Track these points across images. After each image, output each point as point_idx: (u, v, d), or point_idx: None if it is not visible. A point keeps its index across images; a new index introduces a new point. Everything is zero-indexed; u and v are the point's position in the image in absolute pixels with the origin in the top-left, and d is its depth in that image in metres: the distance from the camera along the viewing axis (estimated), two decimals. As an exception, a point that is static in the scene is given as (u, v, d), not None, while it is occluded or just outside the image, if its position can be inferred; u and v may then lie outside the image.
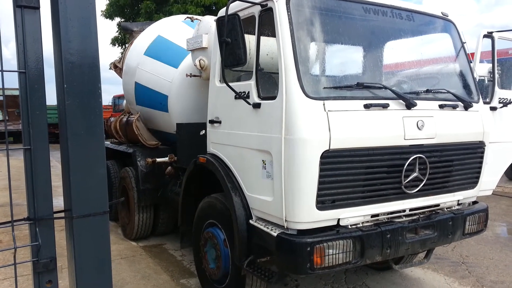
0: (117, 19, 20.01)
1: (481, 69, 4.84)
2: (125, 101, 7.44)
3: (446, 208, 3.73)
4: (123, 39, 18.78)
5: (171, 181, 5.54)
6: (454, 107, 3.66)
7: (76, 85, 1.37)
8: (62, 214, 1.41)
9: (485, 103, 4.15)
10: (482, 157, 3.86)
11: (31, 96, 1.36)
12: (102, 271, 1.43)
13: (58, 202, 1.76)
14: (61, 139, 1.41)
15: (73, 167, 1.37)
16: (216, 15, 3.98)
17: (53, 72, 1.55)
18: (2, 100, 25.48)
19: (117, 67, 7.44)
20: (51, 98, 1.62)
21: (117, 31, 19.95)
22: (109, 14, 19.66)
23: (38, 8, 1.36)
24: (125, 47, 15.10)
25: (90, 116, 1.38)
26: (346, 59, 3.87)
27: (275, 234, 3.10)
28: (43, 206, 1.37)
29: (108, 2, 19.58)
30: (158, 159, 5.41)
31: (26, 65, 1.35)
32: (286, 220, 3.07)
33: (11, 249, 1.45)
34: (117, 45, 20.06)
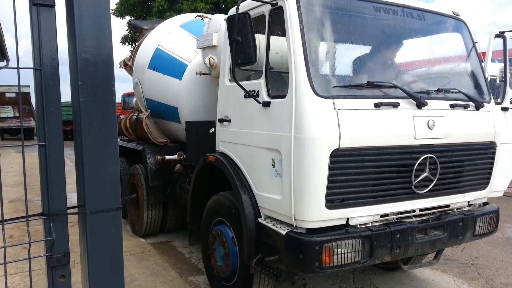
0: (127, 18, 20.16)
1: (493, 69, 4.78)
2: (135, 99, 7.49)
3: (457, 209, 3.70)
4: (133, 37, 18.91)
5: (180, 178, 5.57)
6: (465, 107, 3.63)
7: (90, 82, 1.38)
8: (76, 210, 1.43)
9: (496, 103, 4.11)
10: (493, 158, 3.83)
11: (46, 93, 1.37)
12: (115, 266, 1.45)
13: (68, 198, 1.78)
14: (75, 136, 1.43)
15: (86, 164, 1.39)
16: (225, 13, 3.99)
17: (65, 69, 1.57)
18: (14, 97, 25.77)
19: (127, 65, 7.49)
20: (62, 95, 1.63)
21: (127, 30, 20.09)
22: (120, 12, 19.80)
23: (53, 6, 1.38)
24: (135, 45, 15.17)
25: (104, 113, 1.40)
26: (356, 58, 3.85)
27: (284, 233, 3.10)
28: (57, 201, 1.39)
29: (118, 0, 19.71)
30: (167, 157, 5.45)
31: (42, 63, 1.37)
32: (295, 219, 3.07)
33: (23, 244, 1.47)
34: (127, 44, 20.21)
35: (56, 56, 1.39)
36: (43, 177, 1.38)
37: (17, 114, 25.73)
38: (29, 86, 21.95)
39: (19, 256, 4.81)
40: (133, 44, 19.25)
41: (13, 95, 25.78)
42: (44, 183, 1.38)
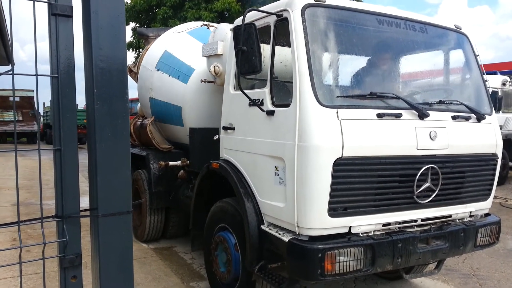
0: (132, 24, 20.35)
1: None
2: (139, 105, 7.56)
3: (458, 219, 3.73)
4: (138, 43, 19.06)
5: (183, 184, 5.61)
6: (467, 118, 3.67)
7: (105, 90, 1.44)
8: (88, 213, 1.47)
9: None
10: (494, 170, 3.86)
11: (63, 99, 1.43)
12: (125, 268, 1.49)
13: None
14: (88, 141, 1.48)
15: (100, 168, 1.44)
16: (229, 22, 4.06)
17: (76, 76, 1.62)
18: (18, 101, 25.96)
19: (132, 71, 7.57)
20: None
21: (132, 36, 20.26)
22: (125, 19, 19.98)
23: (71, 16, 1.44)
24: (140, 51, 15.26)
25: (117, 120, 1.45)
26: (360, 69, 3.90)
27: (286, 240, 3.14)
28: (71, 204, 1.43)
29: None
30: (171, 163, 5.49)
31: (59, 70, 1.42)
32: (298, 226, 3.10)
33: (35, 245, 1.51)
34: (131, 50, 20.37)
35: (73, 64, 1.45)
36: (58, 180, 1.42)
37: (20, 118, 25.90)
38: (32, 91, 22.10)
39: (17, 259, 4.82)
40: (138, 50, 19.41)
41: (17, 99, 25.95)
42: (58, 186, 1.43)
